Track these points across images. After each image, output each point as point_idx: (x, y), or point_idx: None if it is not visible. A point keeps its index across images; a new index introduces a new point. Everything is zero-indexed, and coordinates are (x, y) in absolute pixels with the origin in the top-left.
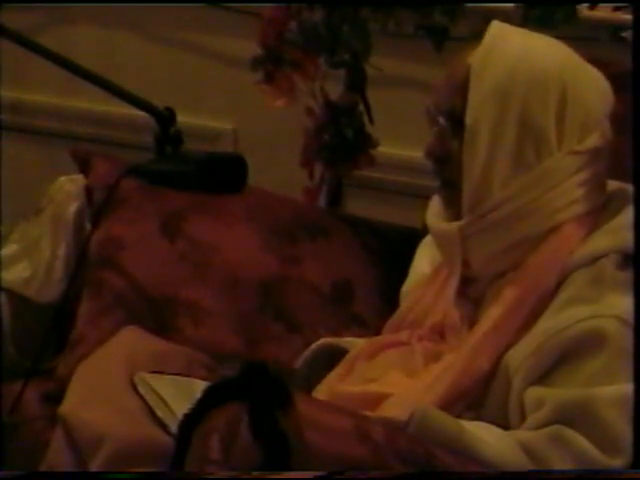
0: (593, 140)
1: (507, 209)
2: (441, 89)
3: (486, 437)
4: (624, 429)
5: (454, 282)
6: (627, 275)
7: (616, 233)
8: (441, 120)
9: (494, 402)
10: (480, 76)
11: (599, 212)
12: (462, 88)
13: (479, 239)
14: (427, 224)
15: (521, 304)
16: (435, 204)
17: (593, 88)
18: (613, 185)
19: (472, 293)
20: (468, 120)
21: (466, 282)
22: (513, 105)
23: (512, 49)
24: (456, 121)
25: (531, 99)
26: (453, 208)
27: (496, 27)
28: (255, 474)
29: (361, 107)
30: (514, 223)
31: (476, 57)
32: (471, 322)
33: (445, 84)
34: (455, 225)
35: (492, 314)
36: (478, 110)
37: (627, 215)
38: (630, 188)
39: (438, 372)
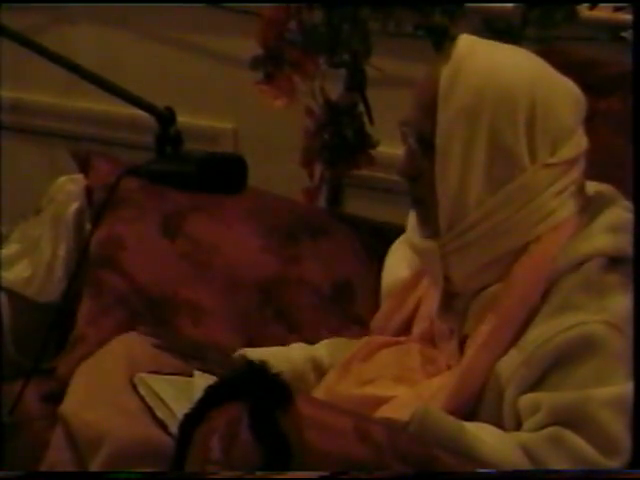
0: (566, 151)
1: (484, 227)
2: (410, 107)
3: (486, 438)
4: (620, 430)
5: (437, 297)
6: (613, 278)
7: (598, 236)
8: (411, 140)
9: (487, 412)
10: (448, 97)
11: (579, 216)
12: (430, 108)
13: (458, 257)
14: (408, 239)
15: (510, 318)
16: (413, 219)
17: (564, 99)
18: (592, 187)
19: (457, 306)
20: (438, 142)
21: (450, 296)
22: (482, 125)
23: (480, 67)
24: (425, 142)
25: (500, 118)
26: (428, 224)
27: (464, 42)
28: (256, 474)
29: (361, 107)
30: (492, 240)
31: (444, 76)
32: (459, 334)
33: (413, 103)
34: (434, 243)
35: (482, 331)
36: (448, 131)
37: (608, 217)
38: (609, 189)
39: (433, 391)
